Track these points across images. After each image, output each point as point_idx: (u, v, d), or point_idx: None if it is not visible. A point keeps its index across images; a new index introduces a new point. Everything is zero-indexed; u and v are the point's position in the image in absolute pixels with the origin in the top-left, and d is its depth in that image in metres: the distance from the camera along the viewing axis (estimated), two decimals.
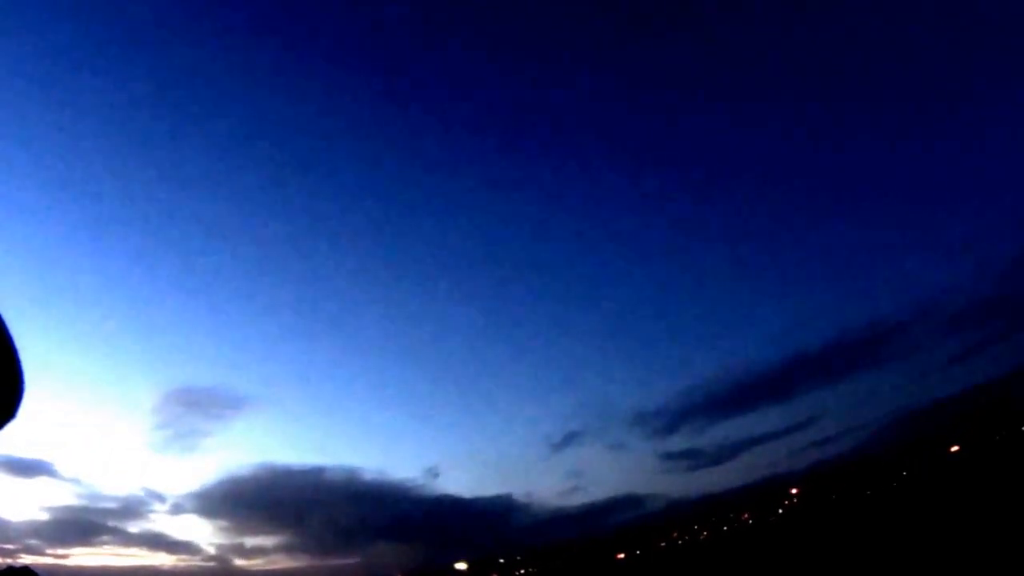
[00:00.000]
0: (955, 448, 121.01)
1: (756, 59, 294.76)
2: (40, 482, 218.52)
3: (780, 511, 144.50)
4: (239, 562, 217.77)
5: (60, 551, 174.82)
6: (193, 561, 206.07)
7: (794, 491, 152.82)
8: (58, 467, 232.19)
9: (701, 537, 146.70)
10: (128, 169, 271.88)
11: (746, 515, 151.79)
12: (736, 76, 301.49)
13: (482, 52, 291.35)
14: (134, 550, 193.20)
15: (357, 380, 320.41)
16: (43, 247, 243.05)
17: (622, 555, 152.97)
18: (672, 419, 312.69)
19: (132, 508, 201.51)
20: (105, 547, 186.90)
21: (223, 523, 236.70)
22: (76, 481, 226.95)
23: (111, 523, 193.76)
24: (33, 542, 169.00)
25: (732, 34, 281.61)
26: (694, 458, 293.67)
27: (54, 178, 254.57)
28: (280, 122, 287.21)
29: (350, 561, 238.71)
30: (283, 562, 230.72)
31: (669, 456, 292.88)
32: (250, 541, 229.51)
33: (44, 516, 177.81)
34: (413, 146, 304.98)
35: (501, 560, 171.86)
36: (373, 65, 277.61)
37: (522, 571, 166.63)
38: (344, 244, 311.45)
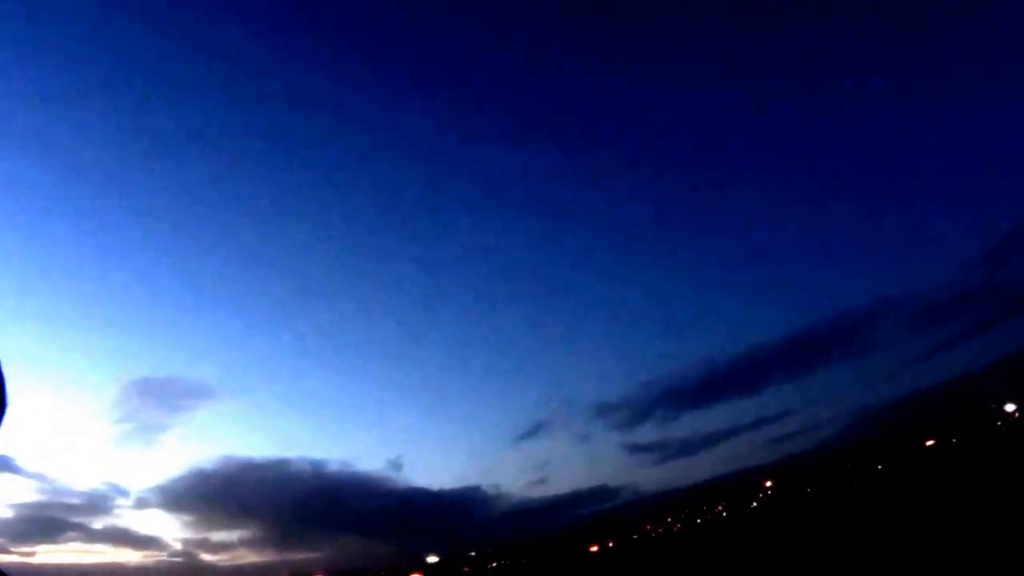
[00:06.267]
0: (930, 442, 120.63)
1: (713, 55, 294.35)
2: (3, 479, 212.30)
3: (754, 504, 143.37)
4: (206, 557, 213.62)
5: (26, 548, 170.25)
6: (159, 557, 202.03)
7: (768, 484, 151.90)
8: (20, 462, 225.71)
9: (675, 529, 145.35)
10: (86, 163, 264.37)
11: (720, 507, 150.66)
12: (701, 71, 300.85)
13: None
14: (99, 546, 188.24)
15: (320, 371, 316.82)
16: None
17: (595, 547, 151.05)
18: (637, 411, 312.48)
19: (96, 503, 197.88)
20: (71, 544, 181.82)
21: (188, 517, 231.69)
22: (40, 477, 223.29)
23: (75, 519, 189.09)
24: None
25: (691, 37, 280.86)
26: (662, 450, 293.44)
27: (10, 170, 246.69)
28: (245, 119, 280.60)
29: (318, 555, 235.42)
30: (250, 557, 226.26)
31: (637, 448, 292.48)
32: (216, 536, 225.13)
33: (8, 513, 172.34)
34: (380, 148, 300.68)
35: (472, 553, 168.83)
36: (336, 53, 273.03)
37: (494, 564, 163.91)
38: (308, 237, 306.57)
